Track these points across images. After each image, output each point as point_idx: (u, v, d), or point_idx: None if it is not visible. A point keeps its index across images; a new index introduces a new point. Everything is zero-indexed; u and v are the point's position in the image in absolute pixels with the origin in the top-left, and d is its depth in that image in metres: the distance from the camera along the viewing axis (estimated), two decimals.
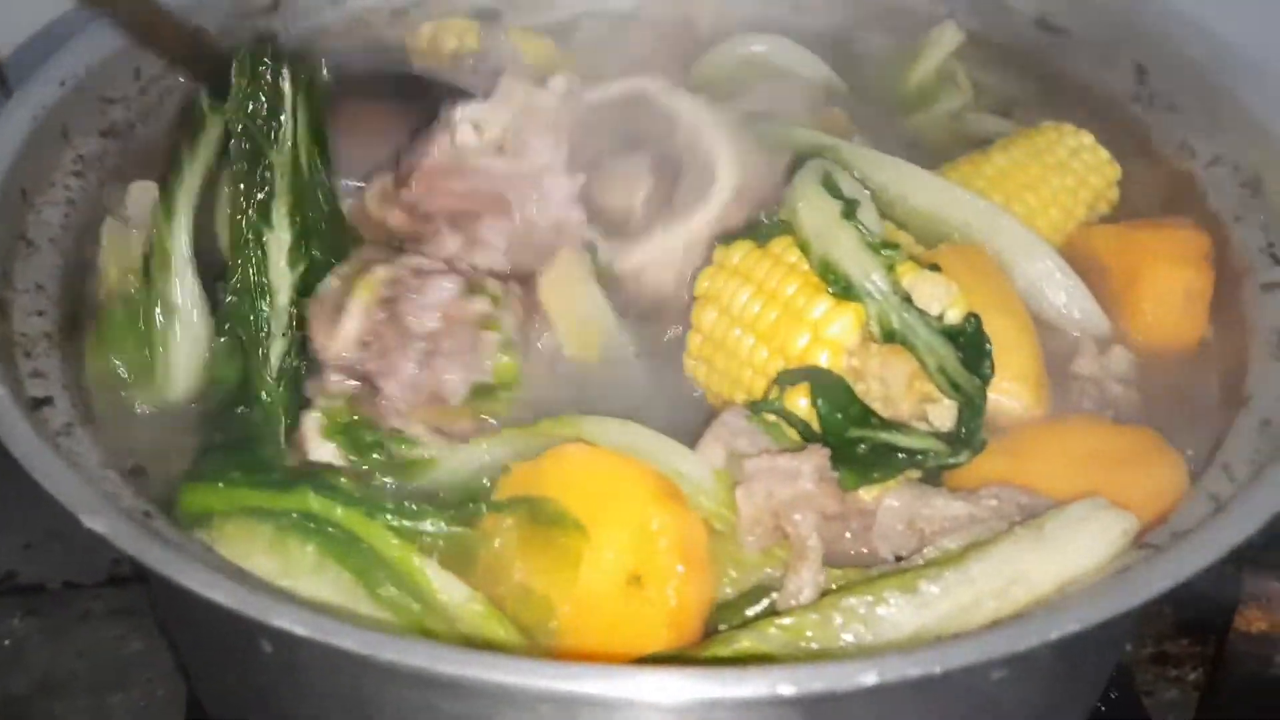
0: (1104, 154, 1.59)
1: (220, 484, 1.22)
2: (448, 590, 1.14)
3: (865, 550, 1.20)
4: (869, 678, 0.92)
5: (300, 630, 0.90)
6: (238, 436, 1.29)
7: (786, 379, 1.24)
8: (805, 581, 1.12)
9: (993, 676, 1.06)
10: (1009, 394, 1.32)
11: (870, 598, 1.09)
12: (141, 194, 1.50)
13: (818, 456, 1.17)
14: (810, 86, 1.72)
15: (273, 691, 1.19)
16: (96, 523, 1.02)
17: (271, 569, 1.14)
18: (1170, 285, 1.45)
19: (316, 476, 1.21)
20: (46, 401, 1.23)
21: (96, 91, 1.53)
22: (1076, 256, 1.48)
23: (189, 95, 1.61)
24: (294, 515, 1.18)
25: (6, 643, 1.66)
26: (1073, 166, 1.56)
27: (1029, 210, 1.51)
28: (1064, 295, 1.44)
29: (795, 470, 1.16)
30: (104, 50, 1.53)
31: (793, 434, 1.25)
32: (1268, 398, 1.28)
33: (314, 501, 1.18)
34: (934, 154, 1.60)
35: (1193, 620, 1.73)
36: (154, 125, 1.59)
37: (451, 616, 1.13)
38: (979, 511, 1.17)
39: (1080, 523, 1.13)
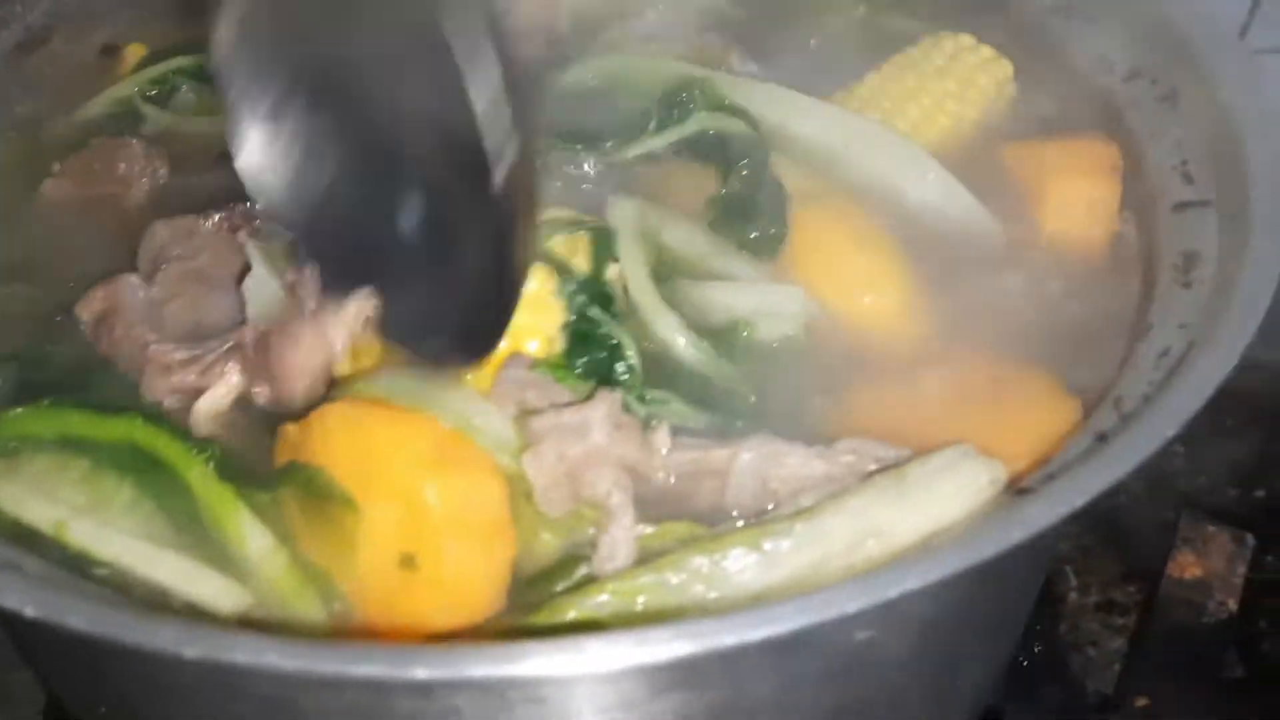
0: (987, 51, 1.52)
1: (46, 402, 1.17)
2: (254, 540, 1.09)
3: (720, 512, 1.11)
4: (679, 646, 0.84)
5: (30, 611, 0.81)
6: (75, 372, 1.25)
7: None
8: (618, 541, 1.04)
9: (857, 637, 0.98)
10: (879, 324, 1.27)
11: (717, 555, 1.01)
12: None
13: (607, 403, 1.08)
14: (692, 10, 1.63)
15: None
16: None
17: (80, 502, 1.11)
18: (1071, 197, 1.38)
19: (147, 410, 1.18)
20: None
21: None
22: (989, 175, 1.42)
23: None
24: (115, 448, 1.13)
25: None
26: (954, 70, 1.49)
27: (912, 123, 1.45)
28: (954, 205, 1.38)
29: (584, 424, 1.06)
30: None
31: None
32: (1169, 326, 1.18)
33: (140, 430, 1.14)
34: (844, 64, 1.54)
35: (1139, 568, 1.65)
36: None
37: (252, 569, 1.08)
38: (834, 470, 1.09)
39: (943, 472, 1.04)
